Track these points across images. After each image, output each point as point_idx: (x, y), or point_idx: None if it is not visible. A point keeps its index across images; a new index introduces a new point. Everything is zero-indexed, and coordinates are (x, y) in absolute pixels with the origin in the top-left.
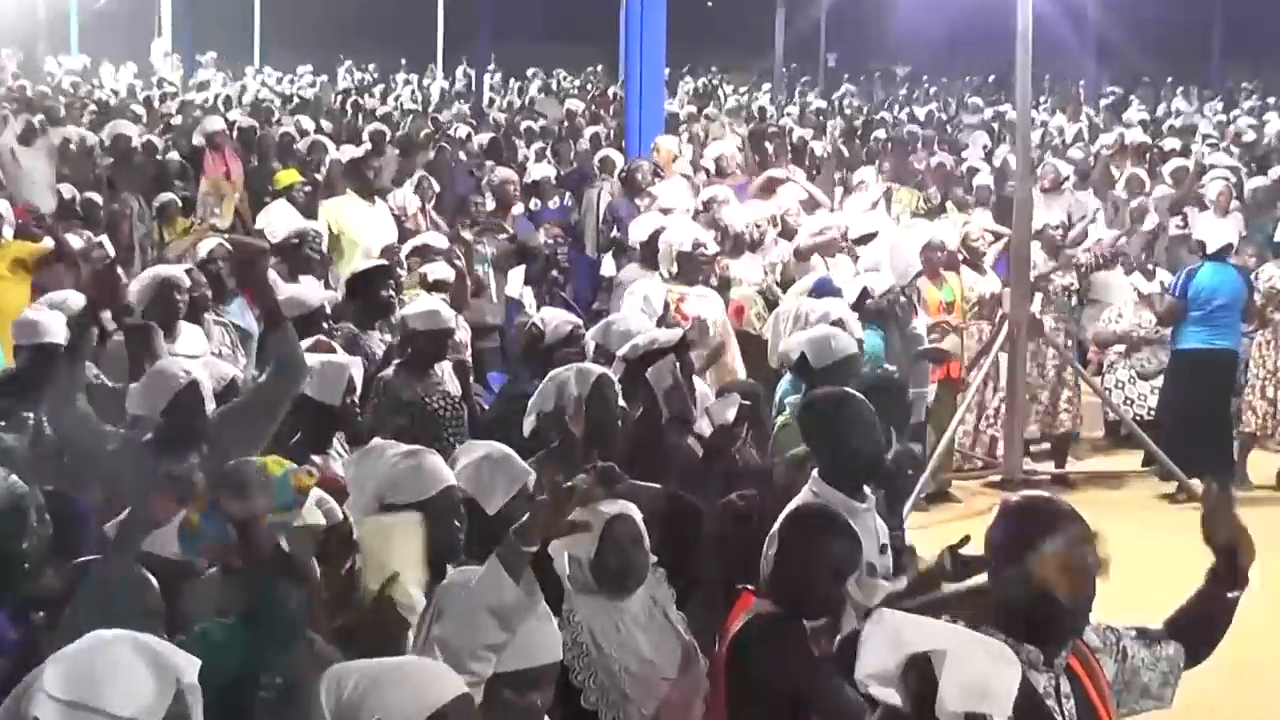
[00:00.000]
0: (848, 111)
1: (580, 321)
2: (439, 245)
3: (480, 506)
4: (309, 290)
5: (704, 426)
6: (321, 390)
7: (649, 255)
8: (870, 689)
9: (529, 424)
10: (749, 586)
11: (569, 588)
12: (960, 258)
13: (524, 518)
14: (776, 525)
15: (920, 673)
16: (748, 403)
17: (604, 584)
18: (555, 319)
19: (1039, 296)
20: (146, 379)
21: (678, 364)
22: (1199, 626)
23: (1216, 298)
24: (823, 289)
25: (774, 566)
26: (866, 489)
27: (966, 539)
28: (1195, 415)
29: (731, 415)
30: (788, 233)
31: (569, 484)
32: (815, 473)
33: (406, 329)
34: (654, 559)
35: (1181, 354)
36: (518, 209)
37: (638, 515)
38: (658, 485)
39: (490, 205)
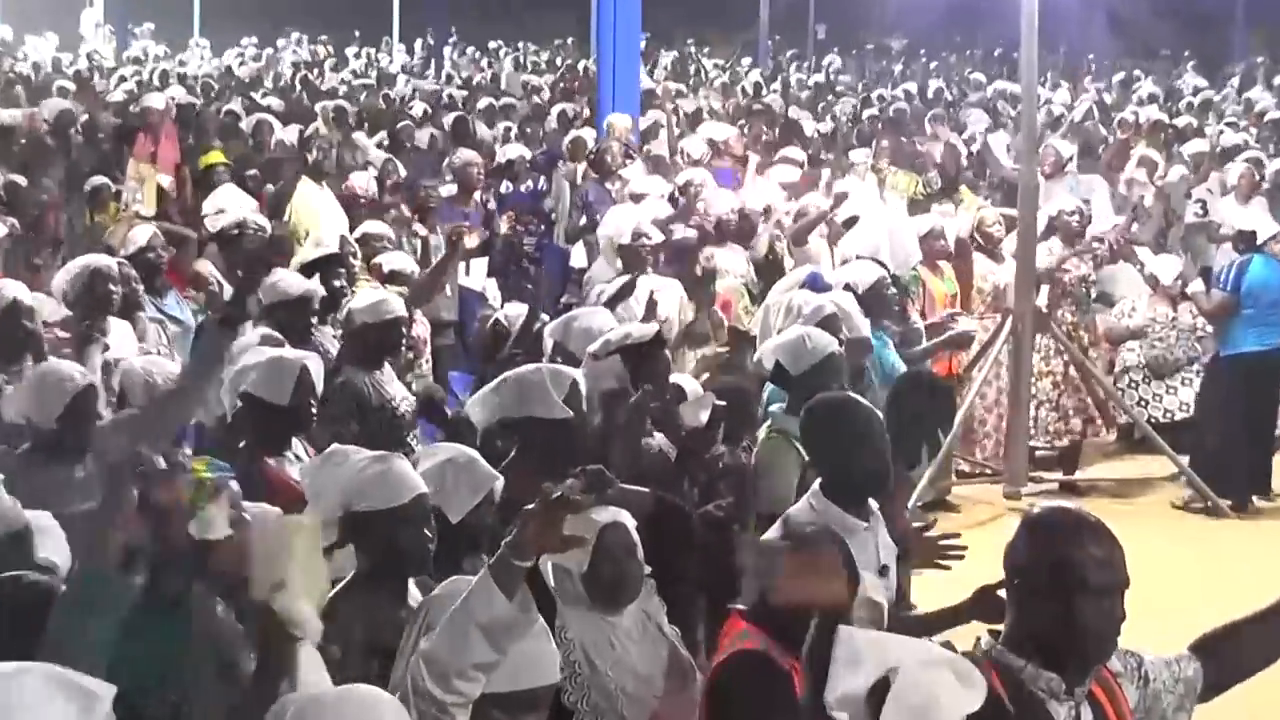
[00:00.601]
0: (839, 88)
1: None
2: (381, 232)
3: (442, 514)
4: (290, 278)
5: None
6: (267, 389)
7: None
8: (836, 716)
9: (480, 425)
10: (739, 607)
11: (559, 603)
12: (973, 245)
13: (511, 528)
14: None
15: (880, 697)
16: (723, 403)
17: (597, 597)
18: (521, 316)
19: (1046, 289)
20: (36, 382)
21: (655, 364)
22: (1233, 649)
23: (1268, 293)
24: (815, 285)
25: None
26: (872, 504)
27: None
28: (1244, 421)
29: (704, 417)
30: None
31: (559, 492)
32: (817, 484)
33: (353, 323)
34: (647, 569)
35: (1234, 356)
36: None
37: (630, 523)
38: (645, 489)
39: (453, 190)
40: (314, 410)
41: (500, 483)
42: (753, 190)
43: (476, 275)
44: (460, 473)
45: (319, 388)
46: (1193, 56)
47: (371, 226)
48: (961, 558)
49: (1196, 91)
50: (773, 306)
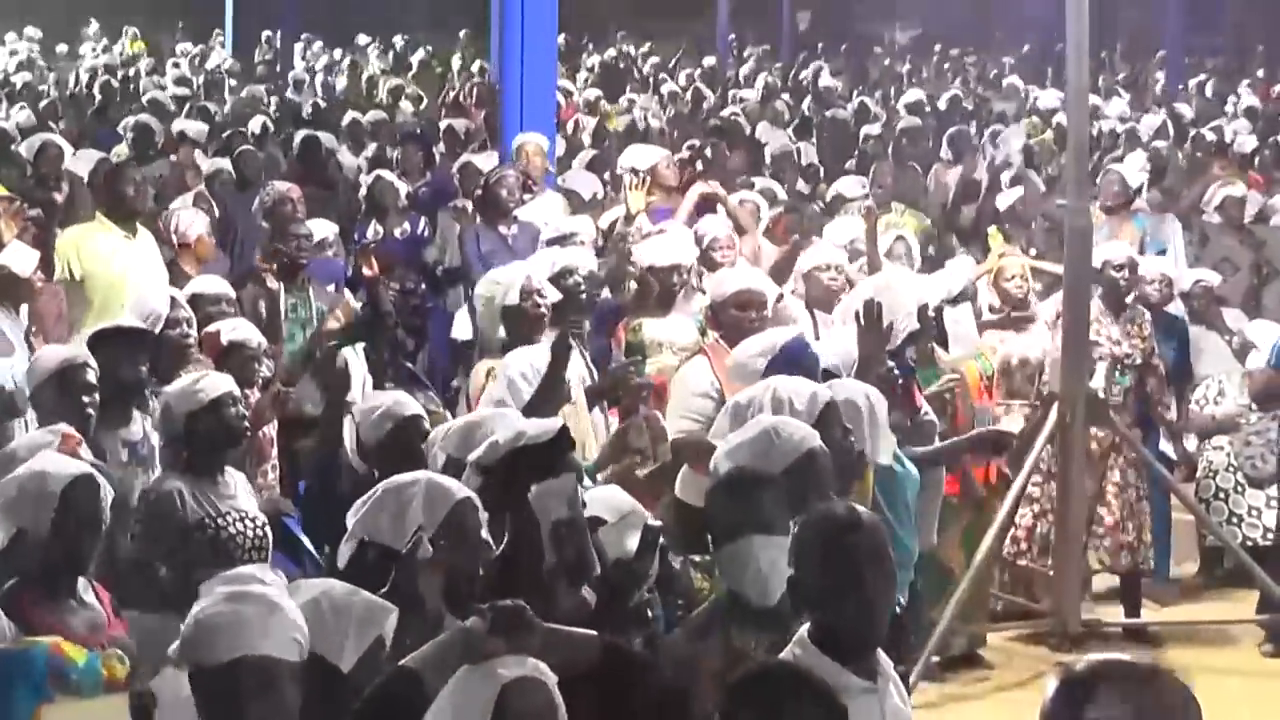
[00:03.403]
0: (822, 94)
1: (435, 407)
2: (215, 292)
3: (328, 663)
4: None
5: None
6: (21, 515)
7: None
8: None
9: (344, 555)
10: None
11: None
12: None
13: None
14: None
15: None
16: (658, 524)
17: None
18: (391, 404)
19: (1103, 366)
20: None
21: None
22: None
23: None
24: (796, 356)
25: None
26: (882, 659)
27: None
28: None
29: (633, 545)
30: (712, 268)
31: (463, 628)
32: (804, 629)
33: (170, 416)
34: None
35: None
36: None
37: (551, 679)
38: (590, 632)
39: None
40: (86, 541)
41: (394, 617)
42: (681, 237)
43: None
44: (340, 612)
45: (104, 508)
46: None
47: (205, 284)
48: None
49: None
50: (745, 402)
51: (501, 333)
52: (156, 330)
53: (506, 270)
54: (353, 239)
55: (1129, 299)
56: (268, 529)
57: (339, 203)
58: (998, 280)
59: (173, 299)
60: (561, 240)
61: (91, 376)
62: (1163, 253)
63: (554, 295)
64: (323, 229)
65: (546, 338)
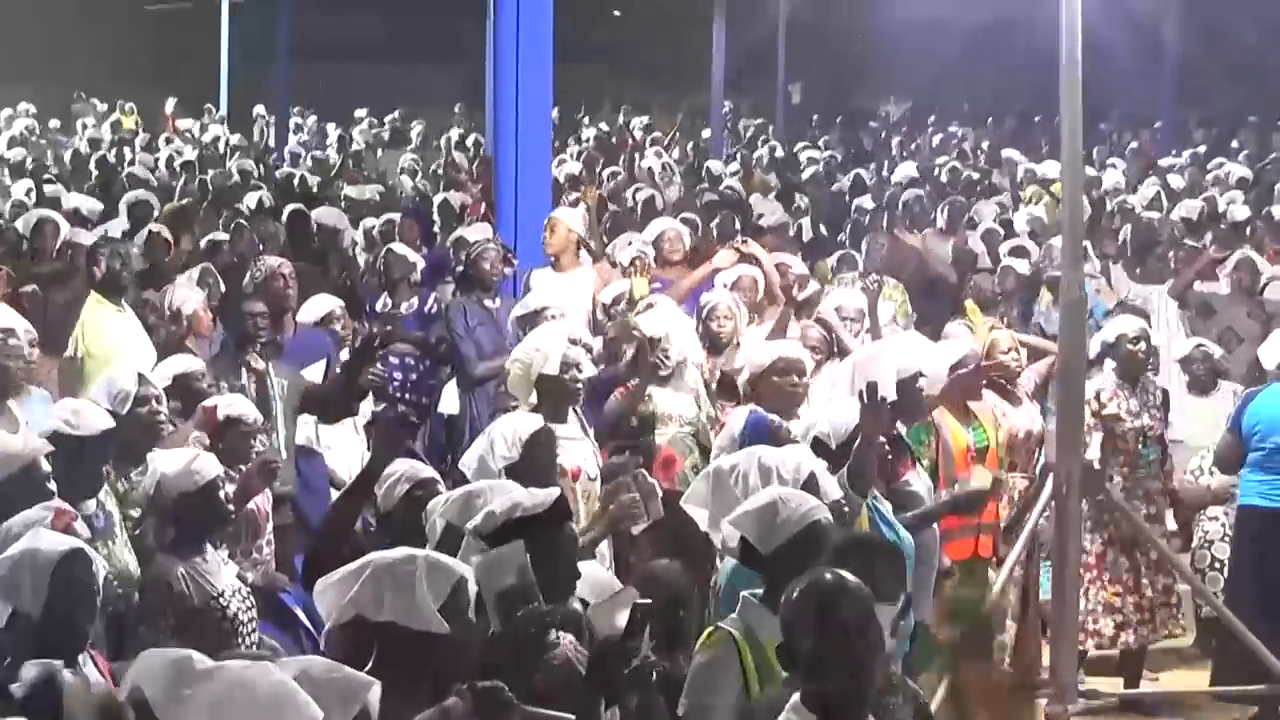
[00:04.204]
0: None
1: (433, 477)
2: (192, 369)
3: None
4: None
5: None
6: (15, 594)
7: None
8: None
9: (329, 621)
10: None
11: None
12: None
13: None
14: None
15: None
16: (647, 601)
17: None
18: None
19: (1098, 437)
20: None
21: (559, 542)
22: None
23: (1275, 433)
24: (758, 429)
25: None
26: None
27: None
28: (1264, 596)
29: (621, 622)
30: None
31: (443, 707)
32: (796, 697)
33: (163, 495)
34: None
35: (1244, 511)
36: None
37: None
38: (568, 716)
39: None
40: (82, 617)
41: (376, 690)
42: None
43: (304, 429)
44: (321, 688)
45: (98, 582)
46: None
47: (179, 363)
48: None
49: None
50: (728, 469)
51: (534, 399)
52: (124, 410)
53: (544, 337)
54: (365, 311)
55: (1145, 371)
56: (252, 601)
57: (331, 276)
58: (992, 354)
59: (141, 376)
60: (532, 317)
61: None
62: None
63: (590, 369)
64: (325, 303)
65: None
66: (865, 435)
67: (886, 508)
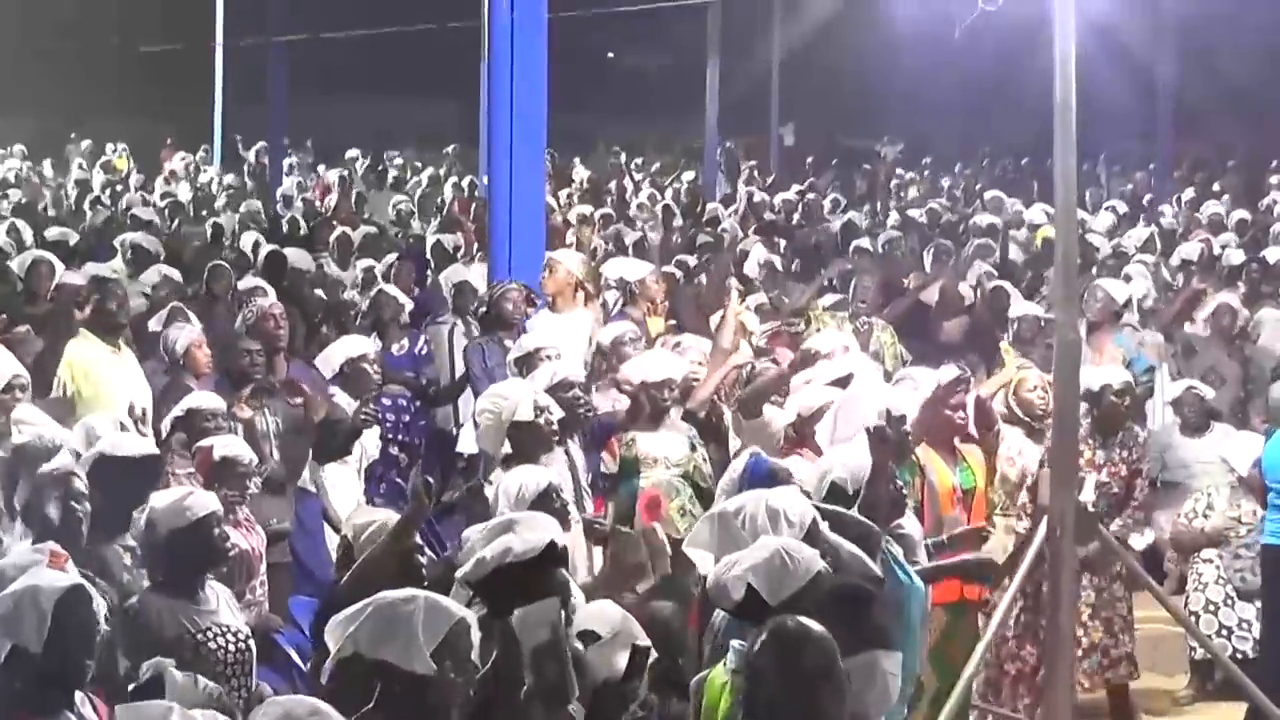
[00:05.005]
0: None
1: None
2: (209, 407)
3: None
4: None
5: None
6: (15, 630)
7: None
8: None
9: (329, 670)
10: None
11: None
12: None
13: None
14: None
15: None
16: (644, 644)
17: None
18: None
19: (1092, 478)
20: None
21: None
22: None
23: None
24: (757, 473)
25: None
26: None
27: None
28: None
29: (621, 664)
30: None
31: None
32: None
33: (155, 531)
34: None
35: (1267, 550)
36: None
37: None
38: None
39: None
40: (80, 654)
41: None
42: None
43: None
44: None
45: (97, 620)
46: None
47: (197, 400)
48: None
49: None
50: (734, 511)
51: (506, 448)
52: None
53: (509, 385)
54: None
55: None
56: (251, 643)
57: (306, 316)
58: (1018, 391)
59: (120, 424)
60: (529, 358)
61: (80, 485)
62: (1151, 370)
63: (559, 412)
64: (359, 345)
65: (549, 456)
66: (876, 465)
67: (898, 551)
